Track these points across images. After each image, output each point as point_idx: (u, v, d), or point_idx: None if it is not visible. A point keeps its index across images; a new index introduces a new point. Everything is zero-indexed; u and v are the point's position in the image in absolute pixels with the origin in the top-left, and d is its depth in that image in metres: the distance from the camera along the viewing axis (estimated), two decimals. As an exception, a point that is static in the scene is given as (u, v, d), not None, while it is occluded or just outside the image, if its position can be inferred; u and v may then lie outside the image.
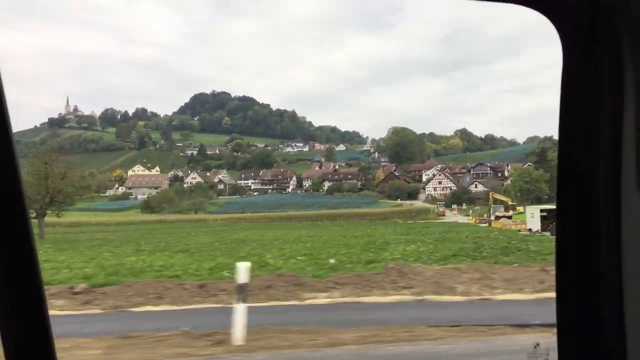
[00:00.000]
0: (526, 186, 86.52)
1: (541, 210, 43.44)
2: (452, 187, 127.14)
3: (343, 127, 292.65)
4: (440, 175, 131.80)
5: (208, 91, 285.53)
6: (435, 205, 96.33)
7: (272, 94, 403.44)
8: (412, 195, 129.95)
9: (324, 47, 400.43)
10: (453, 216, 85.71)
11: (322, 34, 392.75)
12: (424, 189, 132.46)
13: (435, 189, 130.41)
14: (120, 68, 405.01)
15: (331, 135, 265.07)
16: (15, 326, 1.58)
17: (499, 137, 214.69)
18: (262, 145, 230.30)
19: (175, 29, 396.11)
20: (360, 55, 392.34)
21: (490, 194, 76.34)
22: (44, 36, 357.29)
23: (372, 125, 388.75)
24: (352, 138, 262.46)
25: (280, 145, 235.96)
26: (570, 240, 1.53)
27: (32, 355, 1.62)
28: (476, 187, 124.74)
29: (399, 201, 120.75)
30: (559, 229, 1.56)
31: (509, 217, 57.86)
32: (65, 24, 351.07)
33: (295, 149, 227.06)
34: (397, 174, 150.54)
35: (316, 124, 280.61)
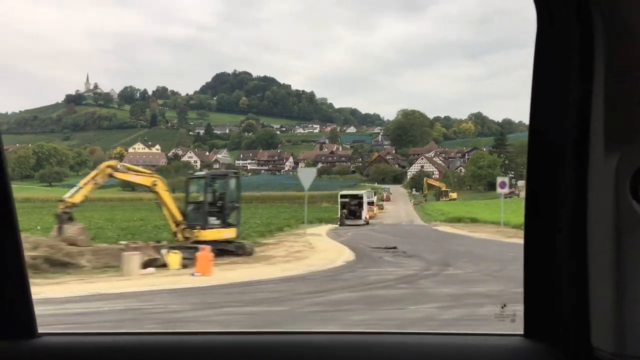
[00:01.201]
0: (478, 171, 78.05)
1: (341, 196, 36.57)
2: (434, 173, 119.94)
3: (365, 110, 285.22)
4: (422, 159, 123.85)
5: (230, 71, 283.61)
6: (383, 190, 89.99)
7: (297, 75, 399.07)
8: (397, 179, 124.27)
9: (356, 29, 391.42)
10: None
11: (356, 16, 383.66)
12: (406, 173, 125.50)
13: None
14: (151, 47, 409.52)
15: (350, 117, 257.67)
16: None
17: (517, 122, 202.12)
18: (278, 127, 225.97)
19: (210, 8, 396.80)
20: (392, 37, 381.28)
21: (424, 179, 69.71)
22: (81, 14, 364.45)
23: (397, 108, 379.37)
24: (372, 121, 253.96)
25: (296, 127, 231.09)
26: (538, 209, 1.54)
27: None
28: (461, 172, 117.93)
29: (376, 184, 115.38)
30: (529, 196, 1.56)
31: (380, 206, 52.82)
32: (102, 2, 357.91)
33: (306, 130, 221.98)
34: (389, 157, 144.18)
35: (337, 105, 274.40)
